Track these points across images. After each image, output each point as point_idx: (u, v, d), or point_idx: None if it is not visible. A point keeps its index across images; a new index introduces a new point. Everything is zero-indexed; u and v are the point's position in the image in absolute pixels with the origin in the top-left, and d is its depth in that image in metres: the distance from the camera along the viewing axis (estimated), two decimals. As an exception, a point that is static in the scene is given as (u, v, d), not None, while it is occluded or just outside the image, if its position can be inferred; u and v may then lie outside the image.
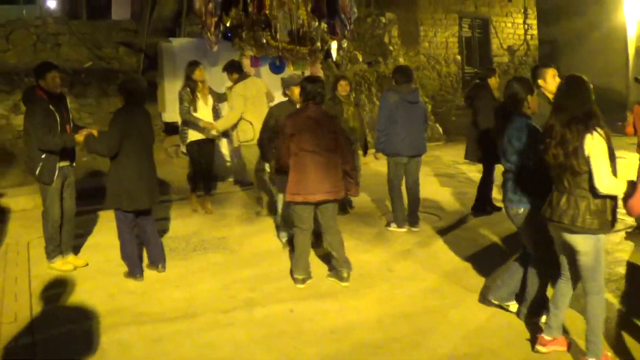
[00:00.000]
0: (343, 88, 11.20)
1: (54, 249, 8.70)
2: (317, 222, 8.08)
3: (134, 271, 8.38)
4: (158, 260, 8.60)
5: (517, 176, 6.41)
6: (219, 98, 11.95)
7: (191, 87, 11.34)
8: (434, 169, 15.80)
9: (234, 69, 11.45)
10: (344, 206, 10.97)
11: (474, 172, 12.80)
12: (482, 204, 11.19)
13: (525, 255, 6.76)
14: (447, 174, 15.20)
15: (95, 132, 8.45)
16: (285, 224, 9.48)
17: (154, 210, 8.74)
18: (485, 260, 8.49)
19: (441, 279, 8.08)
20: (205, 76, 11.70)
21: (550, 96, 7.78)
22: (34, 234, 10.22)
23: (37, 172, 8.31)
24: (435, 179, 14.66)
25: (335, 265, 8.05)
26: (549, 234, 6.01)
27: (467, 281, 7.92)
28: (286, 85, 9.53)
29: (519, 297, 6.84)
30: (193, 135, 11.44)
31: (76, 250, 9.26)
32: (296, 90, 9.03)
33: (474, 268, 8.37)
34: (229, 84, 11.76)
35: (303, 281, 7.98)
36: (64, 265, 8.71)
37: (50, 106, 8.25)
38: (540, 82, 7.76)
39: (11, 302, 7.58)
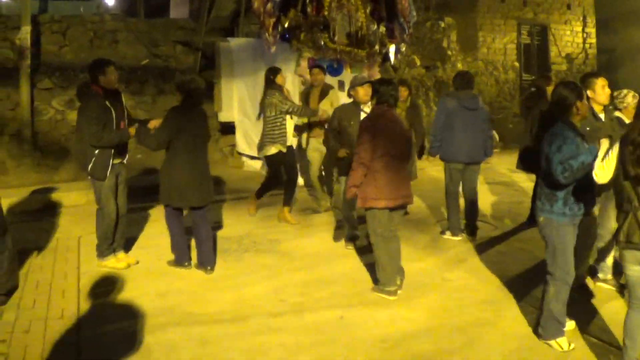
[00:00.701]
0: (401, 94, 11.05)
1: (108, 248, 8.66)
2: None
3: (182, 259, 8.56)
4: (207, 262, 8.53)
5: (543, 183, 6.23)
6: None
7: (279, 90, 11.03)
8: (490, 177, 15.56)
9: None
10: None
11: (529, 182, 12.58)
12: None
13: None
14: (502, 182, 14.98)
15: (156, 123, 8.47)
16: (348, 224, 9.58)
17: (208, 211, 8.65)
18: (542, 273, 8.26)
19: (496, 290, 7.91)
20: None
21: (599, 108, 7.59)
22: (85, 229, 10.24)
23: (89, 167, 8.28)
24: (491, 187, 14.44)
25: (401, 276, 7.89)
26: (569, 246, 6.01)
27: (523, 293, 7.71)
28: (351, 85, 9.42)
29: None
30: (277, 147, 11.12)
31: (127, 248, 9.22)
32: (361, 91, 9.07)
33: (531, 280, 8.12)
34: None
35: (396, 292, 7.72)
36: (117, 262, 8.65)
37: (107, 102, 8.24)
38: (589, 92, 7.47)
39: (59, 298, 7.53)
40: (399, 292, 7.72)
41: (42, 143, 15.15)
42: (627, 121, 7.78)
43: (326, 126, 10.52)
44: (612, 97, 7.99)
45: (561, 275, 6.20)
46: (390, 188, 7.51)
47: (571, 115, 6.19)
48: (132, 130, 8.37)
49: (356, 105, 9.25)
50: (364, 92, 9.01)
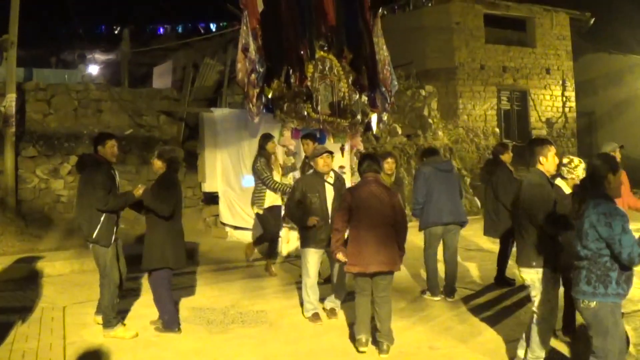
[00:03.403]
0: (389, 167, 11.24)
1: (115, 317, 8.65)
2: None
3: (174, 325, 8.72)
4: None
5: (595, 265, 5.86)
6: (286, 170, 12.46)
7: (266, 157, 11.64)
8: (473, 244, 15.62)
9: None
10: None
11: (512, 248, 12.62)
12: (503, 276, 11.41)
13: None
14: (485, 249, 14.99)
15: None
16: (338, 292, 9.59)
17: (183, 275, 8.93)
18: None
19: (483, 357, 7.90)
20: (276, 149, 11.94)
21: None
22: (70, 299, 10.31)
23: (95, 234, 8.44)
24: (474, 254, 14.50)
25: (377, 336, 7.97)
26: (621, 330, 5.64)
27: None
28: (310, 156, 9.57)
29: None
30: (270, 200, 11.72)
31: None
32: (320, 162, 9.27)
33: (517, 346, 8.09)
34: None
35: (367, 342, 7.95)
36: (125, 332, 8.63)
37: (111, 170, 8.66)
38: (541, 159, 7.25)
39: (45, 369, 7.47)
40: (369, 343, 7.94)
41: (26, 211, 15.18)
42: (567, 191, 7.86)
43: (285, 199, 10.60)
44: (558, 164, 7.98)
45: (614, 357, 5.93)
46: (365, 255, 7.84)
47: (605, 189, 6.02)
48: (137, 191, 8.55)
49: (319, 175, 9.40)
50: (324, 162, 9.26)
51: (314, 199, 9.26)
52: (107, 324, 8.59)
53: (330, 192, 9.38)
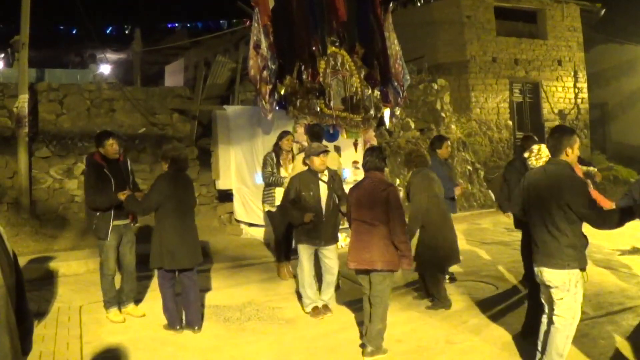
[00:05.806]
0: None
1: (110, 301, 9.27)
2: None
3: (174, 324, 8.82)
4: (195, 322, 8.86)
5: None
6: None
7: (276, 152, 11.65)
8: (488, 237, 15.60)
9: (315, 137, 11.31)
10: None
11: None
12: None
13: None
14: (502, 241, 14.97)
15: (140, 195, 9.18)
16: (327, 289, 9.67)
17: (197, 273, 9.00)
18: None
19: (501, 352, 7.87)
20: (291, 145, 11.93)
21: None
22: (86, 298, 10.28)
23: (93, 227, 9.06)
24: (491, 247, 14.42)
25: (363, 338, 7.96)
26: None
27: (528, 355, 7.58)
28: (306, 154, 9.53)
29: None
30: (265, 206, 11.69)
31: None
32: (316, 161, 9.31)
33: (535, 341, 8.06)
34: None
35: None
36: (115, 316, 9.21)
37: (106, 170, 8.95)
38: (568, 150, 6.65)
39: (63, 368, 7.46)
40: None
41: (40, 211, 15.20)
42: None
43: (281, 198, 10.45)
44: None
45: None
46: (357, 251, 7.87)
47: None
48: (121, 196, 8.85)
49: (313, 173, 9.42)
50: (320, 161, 9.30)
51: (308, 197, 9.33)
52: (104, 305, 9.35)
53: (324, 190, 9.41)
